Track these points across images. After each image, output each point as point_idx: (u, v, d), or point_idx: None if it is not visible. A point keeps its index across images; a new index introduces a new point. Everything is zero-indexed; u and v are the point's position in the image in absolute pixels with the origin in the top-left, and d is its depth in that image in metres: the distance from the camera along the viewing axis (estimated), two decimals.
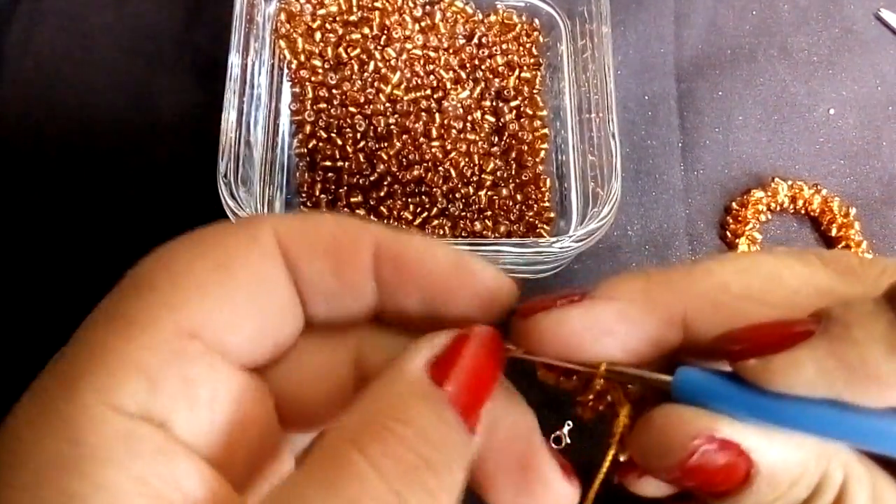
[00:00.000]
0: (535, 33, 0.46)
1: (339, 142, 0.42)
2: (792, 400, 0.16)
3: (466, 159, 0.42)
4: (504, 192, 0.42)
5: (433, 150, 0.41)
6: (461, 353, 0.17)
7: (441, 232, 0.41)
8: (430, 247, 0.19)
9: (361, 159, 0.41)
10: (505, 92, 0.44)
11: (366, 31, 0.44)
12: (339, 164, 0.41)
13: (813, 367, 0.15)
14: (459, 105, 0.43)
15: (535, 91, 0.45)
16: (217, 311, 0.17)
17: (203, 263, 0.17)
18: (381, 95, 0.42)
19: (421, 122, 0.42)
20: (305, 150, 0.42)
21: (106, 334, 0.16)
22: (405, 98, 0.43)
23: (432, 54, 0.44)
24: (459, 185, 0.41)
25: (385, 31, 0.44)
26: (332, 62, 0.44)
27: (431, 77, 0.44)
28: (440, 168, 0.41)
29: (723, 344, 0.17)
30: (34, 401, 0.15)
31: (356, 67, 0.43)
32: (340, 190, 0.41)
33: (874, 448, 0.16)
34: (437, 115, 0.42)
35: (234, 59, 0.38)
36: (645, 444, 0.17)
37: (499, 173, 0.42)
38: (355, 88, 0.43)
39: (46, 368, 0.16)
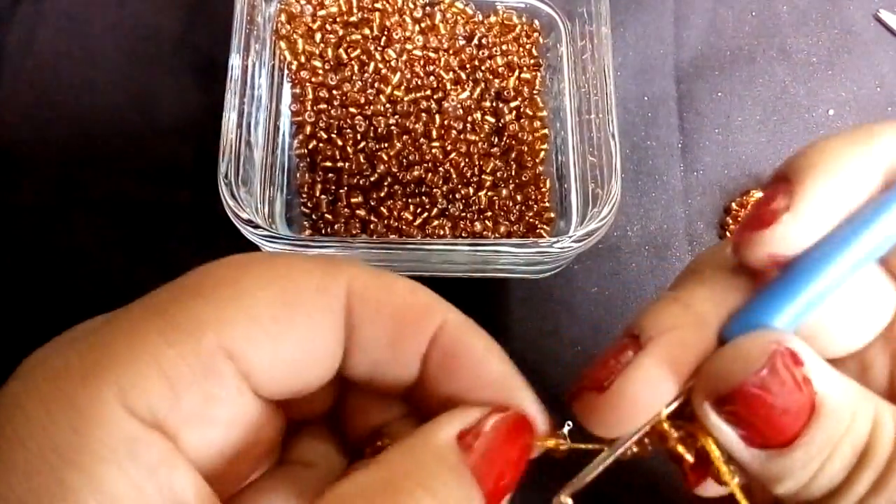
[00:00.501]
0: (535, 34, 0.46)
1: (340, 142, 0.42)
2: (817, 255, 0.16)
3: (466, 160, 0.42)
4: (504, 192, 0.42)
5: (433, 150, 0.41)
6: (494, 431, 0.16)
7: (441, 232, 0.41)
8: (489, 354, 0.18)
9: (362, 160, 0.41)
10: (505, 93, 0.44)
11: (366, 32, 0.44)
12: (340, 164, 0.41)
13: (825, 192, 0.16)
14: (459, 106, 0.43)
15: (534, 92, 0.45)
16: (263, 345, 0.16)
17: (267, 294, 0.16)
18: (381, 96, 0.43)
19: (421, 123, 0.42)
20: (306, 151, 0.42)
21: (147, 330, 0.15)
22: (405, 99, 0.43)
23: (432, 55, 0.44)
24: (459, 186, 0.41)
25: (385, 32, 0.44)
26: (332, 63, 0.44)
27: (431, 78, 0.44)
28: (440, 168, 0.41)
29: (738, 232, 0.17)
30: (49, 375, 0.15)
31: (356, 68, 0.43)
32: (341, 190, 0.41)
33: None
34: (437, 115, 0.43)
35: (235, 60, 0.38)
36: (718, 368, 0.16)
37: (499, 174, 0.42)
38: (355, 89, 0.43)
39: (72, 338, 0.16)
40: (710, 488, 0.19)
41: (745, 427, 0.16)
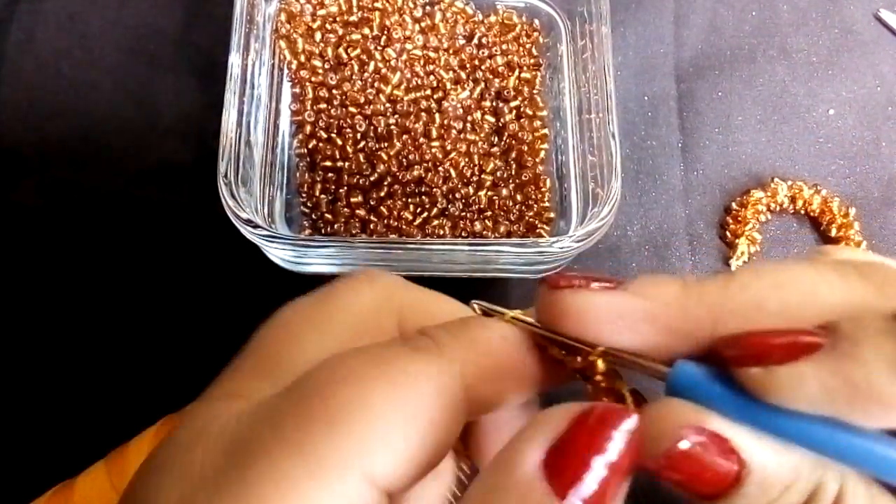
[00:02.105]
0: (535, 34, 0.46)
1: (340, 142, 0.42)
2: (789, 413, 0.15)
3: (466, 159, 0.42)
4: (504, 192, 0.42)
5: (433, 150, 0.41)
6: (585, 443, 0.14)
7: (441, 232, 0.41)
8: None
9: (361, 159, 0.41)
10: (505, 92, 0.44)
11: (366, 31, 0.44)
12: (340, 164, 0.41)
13: (816, 384, 0.14)
14: (459, 105, 0.43)
15: (534, 91, 0.45)
16: (400, 467, 0.16)
17: (396, 408, 0.16)
18: (381, 96, 0.43)
19: (421, 123, 0.42)
20: (305, 151, 0.42)
21: (296, 474, 0.15)
22: (405, 98, 0.43)
23: (432, 55, 0.44)
24: (459, 186, 0.41)
25: (385, 32, 0.44)
26: (332, 62, 0.44)
27: (431, 77, 0.44)
28: (440, 168, 0.41)
29: (724, 347, 0.16)
30: None
31: (356, 68, 0.43)
32: (340, 190, 0.41)
33: (871, 471, 0.15)
34: (437, 115, 0.42)
35: (235, 60, 0.38)
36: (648, 427, 0.16)
37: (499, 173, 0.42)
38: (355, 89, 0.43)
39: (212, 477, 0.15)
40: None
41: (675, 482, 0.15)
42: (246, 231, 0.35)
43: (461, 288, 0.42)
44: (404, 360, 0.17)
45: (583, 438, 0.14)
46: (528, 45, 0.45)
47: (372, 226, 0.40)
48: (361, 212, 0.41)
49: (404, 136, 0.42)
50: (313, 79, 0.43)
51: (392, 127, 0.42)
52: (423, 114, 0.43)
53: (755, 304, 0.16)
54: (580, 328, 0.17)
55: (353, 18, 0.44)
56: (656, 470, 0.15)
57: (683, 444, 0.15)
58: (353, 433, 0.15)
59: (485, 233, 0.41)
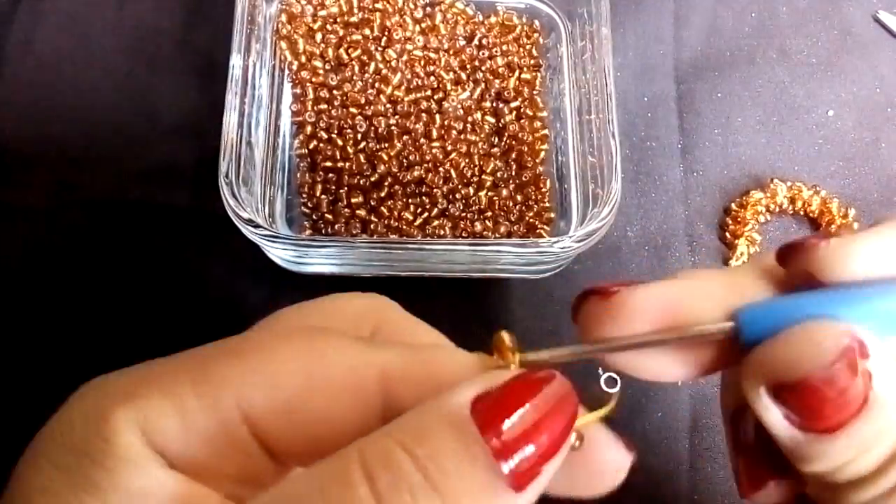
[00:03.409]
0: (535, 35, 0.46)
1: (340, 142, 0.42)
2: (865, 287, 0.16)
3: (467, 160, 0.42)
4: (504, 192, 0.42)
5: (433, 150, 0.42)
6: (521, 397, 0.15)
7: (441, 232, 0.41)
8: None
9: (362, 160, 0.41)
10: (505, 93, 0.44)
11: (366, 32, 0.44)
12: (340, 164, 0.41)
13: (880, 243, 0.16)
14: (460, 106, 0.43)
15: (535, 92, 0.45)
16: (279, 414, 0.17)
17: (294, 367, 0.18)
18: (381, 96, 0.43)
19: (421, 123, 0.42)
20: (306, 151, 0.42)
21: (184, 378, 0.17)
22: (406, 99, 0.43)
23: (433, 55, 0.44)
24: (460, 186, 0.41)
25: (386, 33, 0.44)
26: (332, 63, 0.44)
27: (432, 78, 0.44)
28: (440, 169, 0.41)
29: (788, 250, 0.17)
30: (100, 395, 0.17)
31: (357, 68, 0.43)
32: (341, 190, 0.41)
33: None
34: (437, 116, 0.43)
35: (236, 60, 0.38)
36: (784, 354, 0.16)
37: (499, 174, 0.42)
38: (356, 89, 0.43)
39: (133, 370, 0.18)
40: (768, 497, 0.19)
41: (793, 410, 0.16)
42: (247, 231, 0.35)
43: (461, 288, 0.42)
44: (334, 335, 0.18)
45: (518, 389, 0.15)
46: (528, 46, 0.46)
47: (372, 226, 0.40)
48: (362, 212, 0.41)
49: (405, 137, 0.42)
50: (314, 79, 0.43)
51: (392, 127, 0.42)
52: (423, 114, 0.43)
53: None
54: (662, 318, 0.17)
55: (354, 19, 0.44)
56: (807, 390, 0.15)
57: (845, 360, 0.15)
58: (244, 362, 0.17)
59: (485, 233, 0.41)
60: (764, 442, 0.18)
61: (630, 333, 0.17)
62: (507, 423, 0.15)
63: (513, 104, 0.44)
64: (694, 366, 0.18)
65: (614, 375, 0.18)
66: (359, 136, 0.42)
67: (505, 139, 0.43)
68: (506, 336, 0.18)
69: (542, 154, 0.44)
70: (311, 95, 0.43)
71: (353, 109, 0.42)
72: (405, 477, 0.14)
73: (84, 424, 0.17)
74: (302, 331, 0.19)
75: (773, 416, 0.16)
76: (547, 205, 0.43)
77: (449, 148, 0.42)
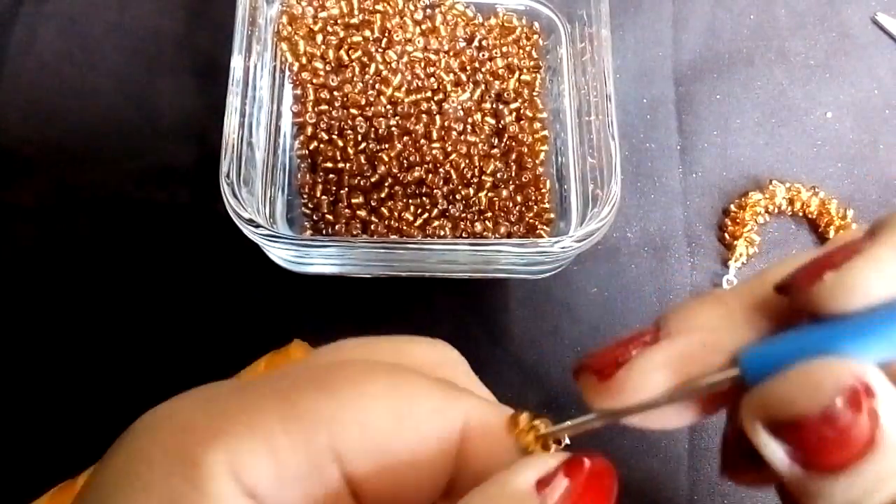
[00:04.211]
0: (535, 36, 0.46)
1: (341, 143, 0.42)
2: (870, 315, 0.15)
3: (467, 161, 0.42)
4: (504, 193, 0.42)
5: (434, 151, 0.42)
6: (574, 478, 0.16)
7: (442, 233, 0.41)
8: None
9: (362, 161, 0.42)
10: (505, 94, 0.44)
11: (367, 33, 0.44)
12: (341, 165, 0.42)
13: (889, 262, 0.15)
14: (460, 107, 0.43)
15: (534, 94, 0.45)
16: (370, 454, 0.16)
17: (384, 404, 0.17)
18: (381, 97, 0.43)
19: (421, 124, 0.42)
20: (307, 152, 0.42)
21: (269, 411, 0.16)
22: (406, 100, 0.43)
23: (433, 57, 0.44)
24: (460, 187, 0.42)
25: (386, 34, 0.44)
26: (333, 64, 0.44)
27: (432, 79, 0.44)
28: (441, 169, 0.42)
29: (786, 284, 0.16)
30: (176, 430, 0.16)
31: (357, 70, 0.43)
32: (341, 191, 0.41)
33: None
34: (437, 117, 0.43)
35: (237, 62, 0.38)
36: (783, 392, 0.15)
37: (499, 175, 0.43)
38: (356, 90, 0.43)
39: (203, 398, 0.16)
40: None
41: (794, 447, 0.15)
42: (248, 231, 0.35)
43: (461, 288, 0.42)
44: (418, 375, 0.17)
45: (570, 471, 0.16)
46: (528, 48, 0.46)
47: (373, 227, 0.41)
48: (362, 213, 0.41)
49: (405, 138, 0.42)
50: (315, 80, 0.43)
51: (393, 128, 0.42)
52: (423, 115, 0.43)
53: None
54: (655, 388, 0.17)
55: (355, 21, 0.44)
56: (806, 428, 0.15)
57: (846, 398, 0.14)
58: (333, 398, 0.16)
59: (485, 234, 0.41)
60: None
61: (636, 403, 0.17)
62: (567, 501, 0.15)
63: (513, 105, 0.44)
64: (701, 410, 0.18)
65: None
66: (359, 136, 0.42)
67: (505, 140, 0.43)
68: (526, 417, 0.18)
69: (542, 155, 0.44)
70: (311, 96, 0.43)
71: (353, 110, 0.42)
72: None
73: (167, 466, 0.15)
74: (384, 366, 0.18)
75: (773, 452, 0.16)
76: (547, 205, 0.43)
77: (449, 149, 0.42)
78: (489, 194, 0.42)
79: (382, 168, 0.41)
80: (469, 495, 0.15)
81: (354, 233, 0.41)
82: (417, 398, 0.17)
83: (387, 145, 0.42)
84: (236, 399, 0.16)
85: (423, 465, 0.17)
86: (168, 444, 0.15)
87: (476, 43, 0.45)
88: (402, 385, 0.17)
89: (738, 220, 0.44)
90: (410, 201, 0.41)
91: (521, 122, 0.44)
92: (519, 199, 0.42)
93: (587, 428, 0.18)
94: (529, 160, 0.43)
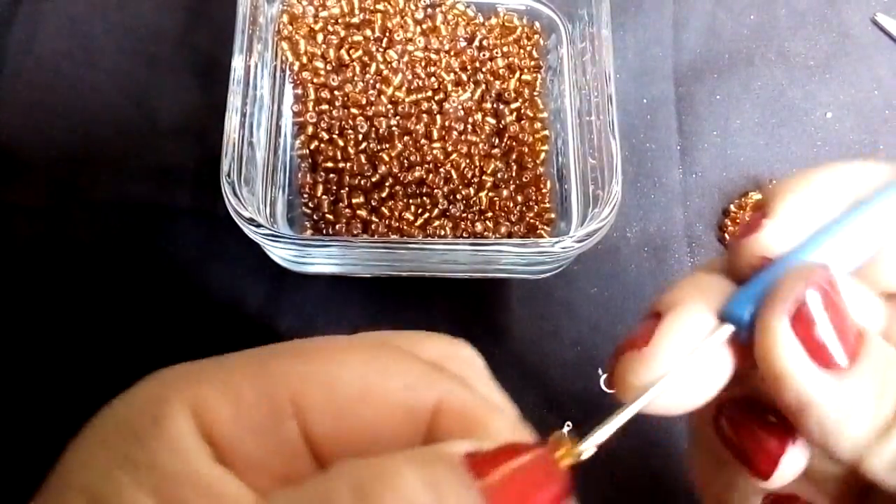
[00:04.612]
0: (536, 36, 0.46)
1: (341, 143, 0.42)
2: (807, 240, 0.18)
3: (467, 161, 0.42)
4: (505, 193, 0.42)
5: (434, 151, 0.42)
6: (513, 462, 0.15)
7: (442, 233, 0.41)
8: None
9: (363, 160, 0.41)
10: (505, 94, 0.44)
11: (368, 33, 0.44)
12: (341, 165, 0.42)
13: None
14: (460, 107, 0.43)
15: (535, 93, 0.45)
16: (328, 412, 0.17)
17: (352, 372, 0.17)
18: (382, 97, 0.43)
19: (422, 124, 0.42)
20: (307, 151, 0.42)
21: (244, 372, 0.17)
22: (406, 100, 0.43)
23: (433, 56, 0.44)
24: (460, 187, 0.42)
25: (387, 34, 0.44)
26: (334, 64, 0.44)
27: (433, 79, 0.44)
28: (441, 169, 0.42)
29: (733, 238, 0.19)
30: (158, 382, 0.17)
31: (358, 69, 0.43)
32: (342, 191, 0.41)
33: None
34: (438, 116, 0.43)
35: (237, 61, 0.38)
36: (787, 285, 0.18)
37: (499, 175, 0.43)
38: (357, 90, 0.43)
39: (197, 363, 0.18)
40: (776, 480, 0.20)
41: (813, 347, 0.17)
42: (248, 230, 0.35)
43: (461, 288, 0.42)
44: (399, 351, 0.18)
45: (510, 454, 0.16)
46: (528, 48, 0.46)
47: (373, 226, 0.41)
48: (363, 212, 0.41)
49: (405, 138, 0.42)
50: (315, 80, 0.43)
51: (393, 128, 0.42)
52: (424, 115, 0.43)
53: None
54: (675, 353, 0.18)
55: (355, 20, 0.44)
56: (813, 306, 0.17)
57: (812, 294, 0.17)
58: (303, 359, 0.17)
59: (486, 233, 0.41)
60: (756, 413, 0.20)
61: (661, 374, 0.18)
62: (492, 476, 0.15)
63: (513, 105, 0.44)
64: (714, 382, 0.19)
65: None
66: (360, 136, 0.42)
67: (505, 140, 0.43)
68: (566, 437, 0.17)
69: (543, 155, 0.44)
70: (312, 96, 0.43)
71: (354, 110, 0.42)
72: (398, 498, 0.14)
73: (139, 406, 0.17)
74: (366, 341, 0.18)
75: (800, 360, 0.17)
76: (547, 205, 0.43)
77: (449, 149, 0.42)
78: (490, 194, 0.42)
79: (383, 168, 0.41)
80: (401, 451, 0.15)
81: (355, 232, 0.41)
82: (391, 373, 0.17)
83: (387, 145, 0.42)
84: (215, 361, 0.18)
85: (386, 436, 0.17)
86: (148, 391, 0.17)
87: (477, 43, 0.45)
88: (379, 358, 0.17)
89: (737, 221, 0.44)
90: (411, 201, 0.41)
91: (522, 121, 0.44)
92: (519, 199, 0.42)
93: (620, 425, 0.18)
94: (530, 160, 0.43)
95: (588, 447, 0.17)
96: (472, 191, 0.42)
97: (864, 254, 0.19)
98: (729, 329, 0.18)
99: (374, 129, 0.42)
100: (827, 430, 0.17)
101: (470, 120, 0.43)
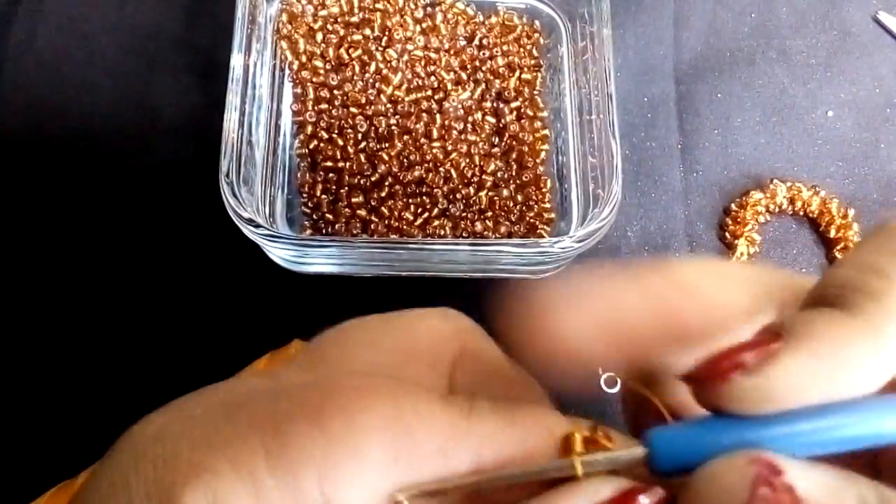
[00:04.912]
0: (536, 35, 0.46)
1: (341, 142, 0.42)
2: (789, 417, 0.14)
3: (467, 160, 0.42)
4: (505, 192, 0.42)
5: (434, 150, 0.42)
6: None
7: (442, 232, 0.41)
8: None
9: (362, 160, 0.41)
10: (505, 93, 0.44)
11: (367, 32, 0.44)
12: (341, 164, 0.42)
13: (802, 374, 0.14)
14: (460, 106, 0.43)
15: (535, 92, 0.45)
16: (363, 495, 0.15)
17: (380, 442, 0.15)
18: (382, 96, 0.43)
19: (422, 123, 0.42)
20: (307, 151, 0.42)
21: (256, 446, 0.15)
22: (406, 99, 0.43)
23: (433, 55, 0.44)
24: (460, 186, 0.41)
25: (386, 33, 0.44)
26: (333, 63, 0.44)
27: (432, 78, 0.44)
28: (441, 169, 0.42)
29: (696, 376, 0.15)
30: (158, 462, 0.15)
31: (357, 68, 0.43)
32: (341, 190, 0.41)
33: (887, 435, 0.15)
34: (437, 115, 0.43)
35: (236, 60, 0.38)
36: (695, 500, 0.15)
37: (499, 174, 0.43)
38: (356, 89, 0.43)
39: (190, 418, 0.15)
40: None
41: None
42: (247, 230, 0.35)
43: (461, 288, 0.42)
44: (423, 396, 0.16)
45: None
46: (528, 47, 0.46)
47: (373, 226, 0.40)
48: (362, 212, 0.41)
49: (405, 137, 0.42)
50: (314, 79, 0.43)
51: (393, 127, 0.42)
52: (423, 114, 0.43)
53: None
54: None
55: (355, 19, 0.44)
56: None
57: (763, 492, 0.14)
58: (324, 434, 0.15)
59: (485, 233, 0.41)
60: None
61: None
62: None
63: (513, 104, 0.44)
64: None
65: (614, 375, 0.17)
66: (359, 135, 0.42)
67: (505, 139, 0.43)
68: (579, 439, 0.16)
69: (543, 154, 0.44)
70: (311, 95, 0.43)
71: (353, 109, 0.42)
72: None
73: (146, 500, 0.14)
74: (384, 386, 0.16)
75: None
76: (547, 205, 0.43)
77: (449, 148, 0.42)
78: (489, 194, 0.42)
79: (382, 167, 0.41)
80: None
81: (354, 232, 0.40)
82: (420, 433, 0.15)
83: (387, 144, 0.42)
84: (224, 425, 0.15)
85: None
86: (149, 476, 0.15)
87: (476, 41, 0.45)
88: (402, 414, 0.15)
89: (738, 220, 0.44)
90: (411, 201, 0.41)
91: (522, 121, 0.44)
92: (519, 198, 0.42)
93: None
94: (530, 159, 0.43)
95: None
96: (471, 190, 0.42)
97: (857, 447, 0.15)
98: (640, 452, 0.15)
99: (373, 128, 0.42)
100: None
101: (470, 119, 0.43)
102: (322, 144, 0.42)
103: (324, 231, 0.41)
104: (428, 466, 0.15)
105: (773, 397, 0.14)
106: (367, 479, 0.15)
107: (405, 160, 0.42)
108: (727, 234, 0.44)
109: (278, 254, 0.38)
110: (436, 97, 0.43)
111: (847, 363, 0.14)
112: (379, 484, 0.15)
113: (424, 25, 0.45)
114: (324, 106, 0.43)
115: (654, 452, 0.15)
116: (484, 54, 0.45)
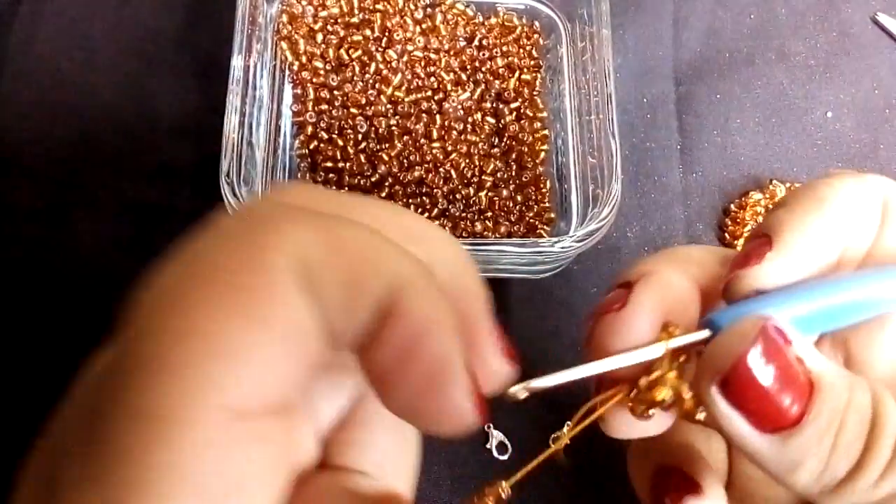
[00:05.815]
0: (536, 36, 0.46)
1: (341, 143, 0.42)
2: (806, 291, 0.18)
3: (467, 160, 0.42)
4: (504, 193, 0.42)
5: (434, 151, 0.42)
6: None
7: None
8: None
9: (362, 160, 0.41)
10: (505, 94, 0.44)
11: (367, 32, 0.44)
12: (341, 164, 0.42)
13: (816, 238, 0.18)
14: (460, 107, 0.43)
15: (535, 93, 0.45)
16: (255, 378, 0.14)
17: (231, 319, 0.14)
18: (382, 97, 0.43)
19: (422, 124, 0.42)
20: (307, 151, 0.42)
21: (141, 440, 0.13)
22: (406, 99, 0.43)
23: (433, 56, 0.44)
24: (460, 186, 0.42)
25: (386, 33, 0.44)
26: (333, 64, 0.44)
27: (432, 79, 0.44)
28: (441, 169, 0.42)
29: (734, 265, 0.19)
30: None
31: (357, 69, 0.43)
32: (342, 191, 0.41)
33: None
34: (437, 116, 0.43)
35: (237, 61, 0.38)
36: (716, 349, 0.18)
37: (499, 174, 0.43)
38: (356, 90, 0.43)
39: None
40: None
41: (752, 410, 0.17)
42: None
43: None
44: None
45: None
46: (528, 47, 0.46)
47: None
48: None
49: (405, 137, 0.42)
50: (315, 80, 0.43)
51: (393, 128, 0.42)
52: (423, 115, 0.43)
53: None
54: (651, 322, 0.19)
55: (355, 20, 0.44)
56: (746, 375, 0.16)
57: (763, 342, 0.17)
58: (191, 365, 0.13)
59: (485, 233, 0.41)
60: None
61: (638, 338, 0.19)
62: None
63: (513, 105, 0.44)
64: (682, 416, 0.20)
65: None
66: (359, 136, 0.42)
67: (505, 140, 0.43)
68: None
69: (543, 154, 0.44)
70: (311, 96, 0.43)
71: (353, 110, 0.42)
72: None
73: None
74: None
75: (740, 427, 0.17)
76: (547, 205, 0.43)
77: (449, 148, 0.42)
78: (489, 194, 0.42)
79: (383, 167, 0.41)
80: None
81: None
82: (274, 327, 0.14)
83: (387, 145, 0.42)
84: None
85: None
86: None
87: (476, 42, 0.45)
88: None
89: (738, 220, 0.44)
90: (410, 201, 0.41)
91: (522, 121, 0.44)
92: (519, 198, 0.42)
93: (577, 378, 0.19)
94: (530, 160, 0.43)
95: (519, 389, 0.18)
96: (471, 190, 0.42)
97: (853, 321, 0.19)
98: (705, 334, 0.18)
99: (373, 128, 0.42)
100: (779, 477, 0.17)
101: (469, 119, 0.43)
102: (322, 145, 0.42)
103: None
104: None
105: (785, 268, 0.19)
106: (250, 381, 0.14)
107: (405, 161, 0.42)
108: (727, 234, 0.44)
109: None
110: (436, 98, 0.44)
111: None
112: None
113: (424, 26, 0.45)
114: (324, 106, 0.43)
115: (714, 323, 0.18)
116: (484, 55, 0.45)
